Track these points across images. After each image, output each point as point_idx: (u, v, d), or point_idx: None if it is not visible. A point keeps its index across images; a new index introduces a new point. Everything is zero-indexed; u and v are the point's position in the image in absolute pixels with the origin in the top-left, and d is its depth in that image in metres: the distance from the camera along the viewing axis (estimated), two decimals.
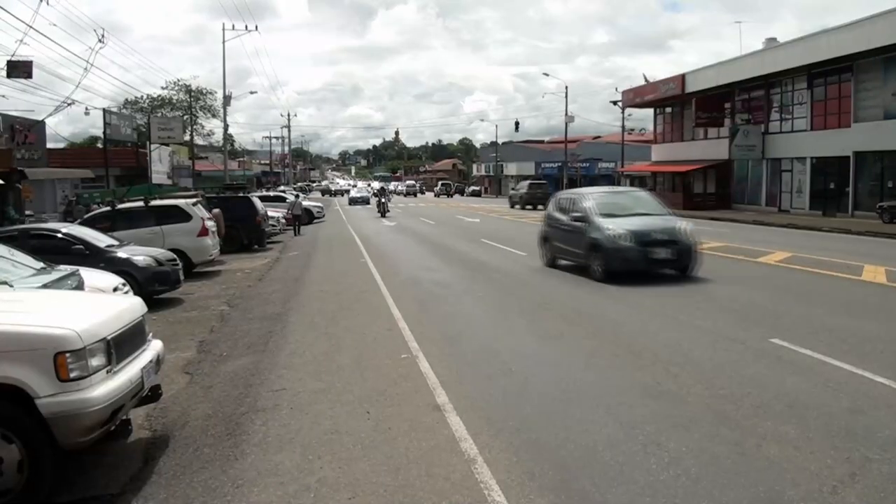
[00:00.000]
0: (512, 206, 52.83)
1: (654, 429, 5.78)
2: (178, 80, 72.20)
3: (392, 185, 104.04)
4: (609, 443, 5.53)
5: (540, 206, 45.18)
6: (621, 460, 5.19)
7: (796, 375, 7.26)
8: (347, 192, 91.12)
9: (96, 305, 5.86)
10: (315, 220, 38.57)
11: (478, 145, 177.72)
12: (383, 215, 42.06)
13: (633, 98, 55.72)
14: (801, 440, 5.48)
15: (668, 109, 53.42)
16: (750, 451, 5.31)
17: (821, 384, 6.94)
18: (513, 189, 60.02)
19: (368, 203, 62.46)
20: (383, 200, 44.46)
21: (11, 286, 7.60)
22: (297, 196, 38.85)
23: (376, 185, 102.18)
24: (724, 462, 5.11)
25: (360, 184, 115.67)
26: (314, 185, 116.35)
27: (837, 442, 5.43)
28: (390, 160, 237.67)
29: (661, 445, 5.43)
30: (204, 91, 72.70)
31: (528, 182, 56.61)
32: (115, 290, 10.54)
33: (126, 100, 66.90)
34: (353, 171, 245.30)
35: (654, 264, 13.87)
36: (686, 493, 4.64)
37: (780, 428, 5.75)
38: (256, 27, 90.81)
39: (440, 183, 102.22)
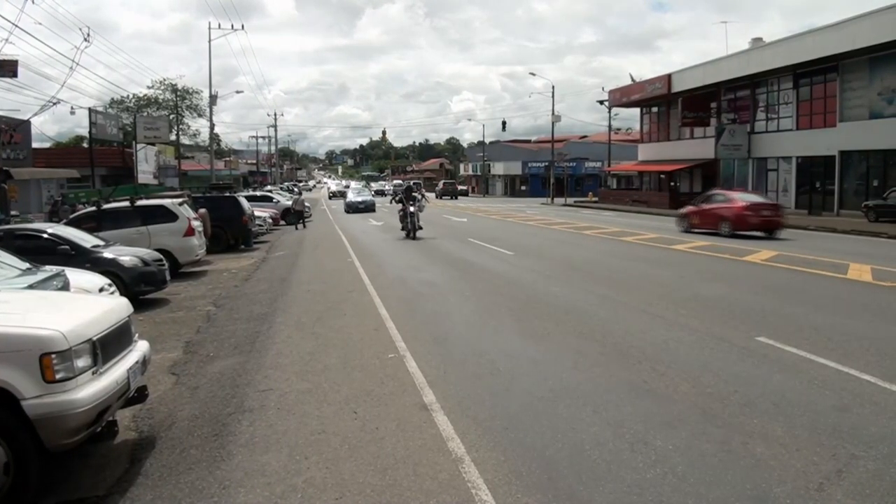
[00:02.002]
0: (436, 197, 71.32)
1: (641, 427, 5.80)
2: (164, 80, 72.14)
3: (379, 184, 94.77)
4: (596, 441, 5.54)
5: (453, 198, 72.20)
6: (608, 459, 5.20)
7: (782, 373, 7.30)
8: (343, 194, 69.87)
9: (82, 306, 5.83)
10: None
11: (465, 145, 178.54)
12: (412, 235, 25.03)
13: (620, 98, 55.90)
14: (788, 438, 5.52)
15: (655, 109, 53.63)
16: (737, 448, 5.33)
17: (807, 382, 6.98)
18: (438, 187, 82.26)
19: (373, 210, 47.19)
20: (412, 210, 25.29)
21: None
22: (300, 193, 44.68)
23: (375, 185, 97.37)
24: (711, 460, 5.13)
25: (355, 184, 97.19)
26: (301, 184, 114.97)
27: (823, 439, 5.47)
28: (377, 160, 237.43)
29: (648, 444, 5.45)
30: (190, 90, 72.48)
31: (443, 181, 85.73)
32: (101, 290, 10.48)
33: (112, 99, 66.75)
34: (339, 170, 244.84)
35: None
36: (673, 490, 4.66)
37: (767, 426, 5.78)
38: (243, 26, 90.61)
39: (412, 182, 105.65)
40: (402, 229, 25.87)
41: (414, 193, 26.50)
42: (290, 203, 37.68)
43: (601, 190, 62.30)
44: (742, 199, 25.96)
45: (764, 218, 25.08)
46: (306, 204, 38.97)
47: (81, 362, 4.84)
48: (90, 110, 44.13)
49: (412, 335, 9.53)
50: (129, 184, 40.70)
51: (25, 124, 36.02)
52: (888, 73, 31.49)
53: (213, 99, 55.76)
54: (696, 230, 26.47)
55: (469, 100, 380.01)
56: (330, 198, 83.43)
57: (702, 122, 45.18)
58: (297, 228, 33.57)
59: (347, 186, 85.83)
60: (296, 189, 64.84)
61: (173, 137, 61.32)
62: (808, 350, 8.13)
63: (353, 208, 47.76)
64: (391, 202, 27.81)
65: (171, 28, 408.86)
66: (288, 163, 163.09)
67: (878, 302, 11.44)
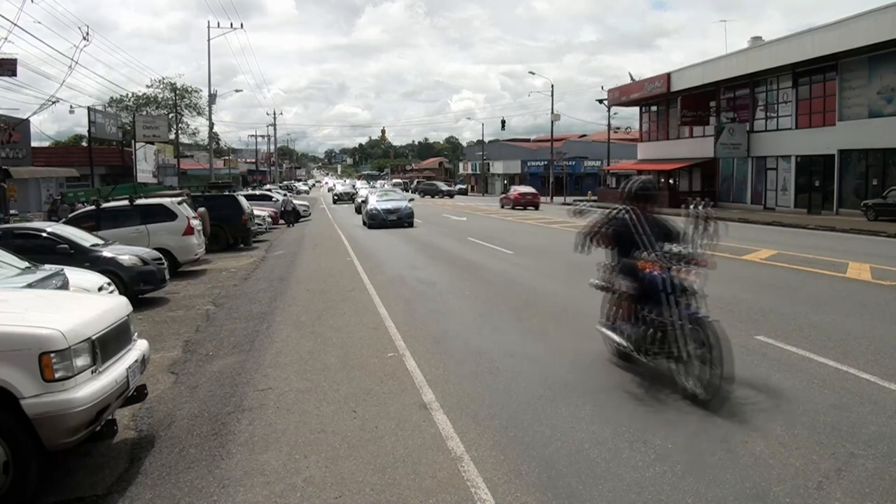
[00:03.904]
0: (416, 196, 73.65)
1: (641, 426, 5.80)
2: (164, 79, 72.09)
3: (379, 184, 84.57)
4: (595, 440, 5.54)
5: (431, 196, 76.84)
6: (608, 457, 5.20)
7: (782, 372, 7.30)
8: (351, 197, 57.17)
9: (81, 305, 5.82)
10: (301, 219, 38.93)
11: (464, 144, 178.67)
12: (699, 388, 6.37)
13: (619, 96, 55.91)
14: (787, 436, 5.51)
15: (654, 108, 53.65)
16: (735, 447, 5.33)
17: (806, 381, 6.98)
18: (412, 185, 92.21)
19: (410, 225, 31.26)
20: (688, 278, 6.59)
21: None
22: (285, 195, 45.91)
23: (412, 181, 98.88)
24: (710, 458, 5.13)
25: (360, 183, 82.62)
26: (300, 183, 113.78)
27: (823, 438, 5.47)
28: (376, 158, 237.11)
29: (647, 442, 5.45)
30: (189, 89, 72.52)
31: (416, 179, 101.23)
32: (100, 289, 10.47)
33: (111, 98, 66.87)
34: (339, 169, 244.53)
35: None
36: (672, 489, 4.66)
37: (766, 424, 5.78)
38: (242, 25, 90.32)
39: (400, 182, 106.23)
40: (637, 348, 7.16)
41: (700, 217, 6.85)
42: (289, 202, 39.42)
43: (600, 189, 62.27)
44: (518, 189, 51.54)
45: (527, 199, 48.36)
46: (296, 202, 40.42)
47: (80, 361, 4.84)
48: (89, 109, 44.13)
49: (411, 334, 9.53)
50: (129, 183, 40.63)
51: (25, 123, 35.97)
52: (887, 72, 31.50)
53: (212, 98, 55.87)
54: (506, 207, 48.69)
55: (468, 99, 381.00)
56: (334, 201, 66.07)
57: (701, 121, 45.20)
58: (288, 226, 35.90)
59: (354, 186, 70.97)
60: (290, 189, 64.76)
61: (172, 136, 61.31)
62: (808, 349, 8.13)
63: (378, 221, 30.84)
64: (588, 244, 8.77)
65: (171, 27, 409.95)
66: (287, 162, 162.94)
67: (878, 301, 11.44)
